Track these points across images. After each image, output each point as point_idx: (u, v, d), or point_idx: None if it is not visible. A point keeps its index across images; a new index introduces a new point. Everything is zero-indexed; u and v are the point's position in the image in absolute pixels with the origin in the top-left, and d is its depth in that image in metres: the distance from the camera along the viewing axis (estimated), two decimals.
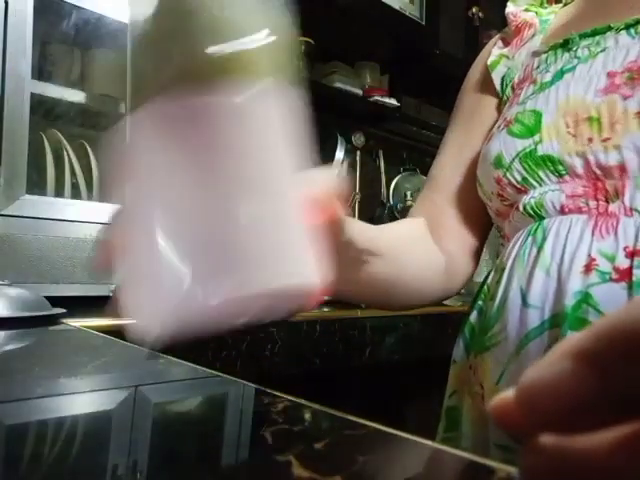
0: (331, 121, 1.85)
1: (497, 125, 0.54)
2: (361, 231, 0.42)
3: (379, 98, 1.78)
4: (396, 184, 2.11)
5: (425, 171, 2.51)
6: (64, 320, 0.69)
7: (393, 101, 1.81)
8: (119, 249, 0.26)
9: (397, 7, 1.69)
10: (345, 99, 1.72)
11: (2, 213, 0.87)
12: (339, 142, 1.72)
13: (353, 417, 0.27)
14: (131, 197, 0.26)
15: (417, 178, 2.19)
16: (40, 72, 1.07)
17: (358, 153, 1.85)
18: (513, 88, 0.57)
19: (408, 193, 2.07)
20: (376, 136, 2.03)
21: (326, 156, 1.77)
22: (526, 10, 0.60)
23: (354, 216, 1.83)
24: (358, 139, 1.83)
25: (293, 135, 0.28)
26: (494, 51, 0.61)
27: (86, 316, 0.70)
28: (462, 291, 2.16)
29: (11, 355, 0.48)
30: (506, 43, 0.61)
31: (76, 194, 1.04)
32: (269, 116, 0.27)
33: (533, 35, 0.58)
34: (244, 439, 0.23)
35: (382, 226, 0.54)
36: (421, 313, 1.03)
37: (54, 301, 0.73)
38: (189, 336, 0.24)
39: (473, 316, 0.55)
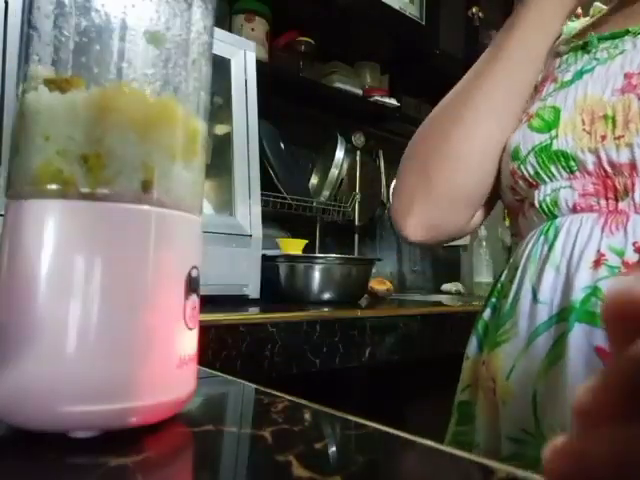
0: (331, 121, 1.85)
1: (521, 119, 0.56)
2: None
3: (379, 98, 1.78)
4: None
5: None
6: None
7: (393, 101, 1.81)
8: None
9: (397, 7, 1.69)
10: (345, 99, 1.72)
11: (2, 213, 0.87)
12: (339, 142, 1.71)
13: (353, 417, 0.27)
14: None
15: None
16: None
17: (358, 153, 1.85)
18: (536, 86, 0.58)
19: None
20: (376, 136, 2.03)
21: (326, 156, 1.78)
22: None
23: (354, 216, 1.84)
24: (358, 139, 1.82)
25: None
26: None
27: None
28: (462, 291, 2.17)
29: None
30: None
31: None
32: None
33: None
34: (244, 439, 0.23)
35: None
36: (421, 313, 1.03)
37: None
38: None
39: (487, 314, 0.56)
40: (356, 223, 1.86)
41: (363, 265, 1.23)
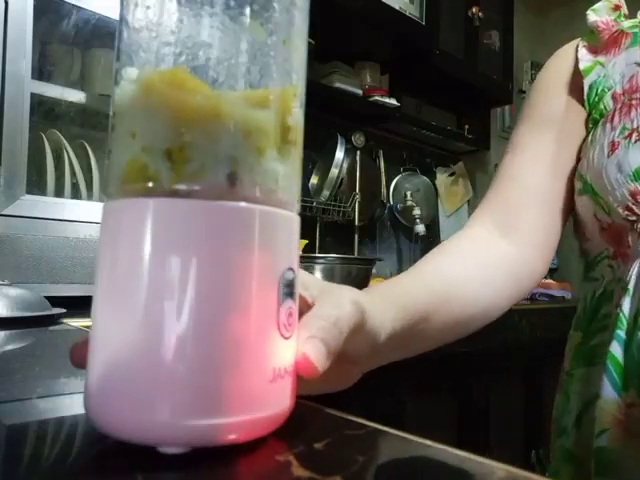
0: (331, 121, 1.85)
1: (623, 135, 0.53)
2: (394, 319, 0.35)
3: (379, 98, 1.78)
4: (396, 184, 2.11)
5: (425, 171, 2.53)
6: (64, 320, 0.69)
7: (393, 101, 1.81)
8: None
9: (397, 7, 1.69)
10: (345, 99, 1.72)
11: (2, 213, 0.87)
12: (339, 142, 1.72)
13: (353, 417, 0.27)
14: None
15: (417, 178, 2.20)
16: (40, 72, 1.06)
17: (358, 153, 1.85)
18: (614, 98, 0.56)
19: (408, 193, 2.08)
20: (376, 136, 2.03)
21: (326, 156, 1.78)
22: (615, 20, 0.60)
23: (354, 216, 1.83)
24: (358, 139, 1.82)
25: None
26: (584, 56, 0.60)
27: (86, 316, 0.70)
28: None
29: (11, 355, 0.48)
30: (594, 50, 0.60)
31: (76, 194, 1.04)
32: None
33: (628, 46, 0.58)
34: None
35: (417, 282, 0.46)
36: None
37: (54, 301, 0.73)
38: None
39: (616, 350, 0.50)
40: (356, 223, 1.86)
41: (363, 265, 1.23)
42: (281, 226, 0.24)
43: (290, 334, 0.24)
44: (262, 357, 0.22)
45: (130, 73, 0.23)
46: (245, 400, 0.22)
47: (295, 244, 0.25)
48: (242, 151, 0.23)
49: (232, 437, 0.21)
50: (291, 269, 0.24)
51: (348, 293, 0.30)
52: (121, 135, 0.23)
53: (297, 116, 0.25)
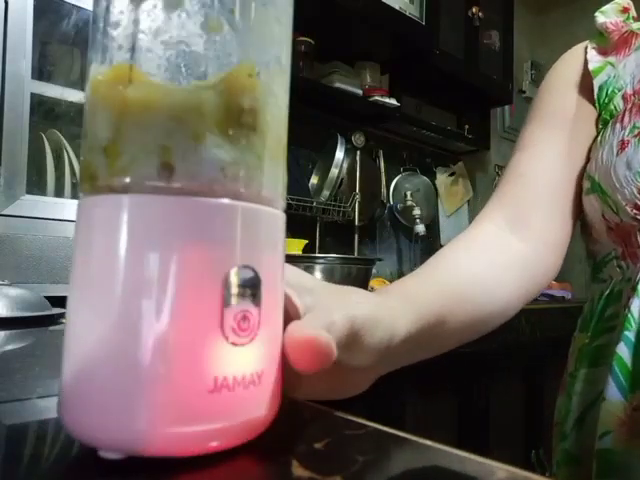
0: (331, 121, 1.85)
1: (633, 133, 0.52)
2: (408, 322, 0.34)
3: (379, 98, 1.78)
4: (396, 184, 2.11)
5: (425, 171, 2.52)
6: (64, 320, 0.69)
7: (393, 101, 1.81)
8: None
9: (397, 7, 1.69)
10: (345, 99, 1.72)
11: (2, 213, 0.87)
12: (339, 142, 1.72)
13: (353, 417, 0.27)
14: None
15: (417, 178, 2.20)
16: (40, 72, 1.06)
17: (358, 153, 1.85)
18: (625, 98, 0.56)
19: (408, 193, 2.08)
20: (376, 136, 2.03)
21: (326, 156, 1.78)
22: (624, 22, 0.60)
23: (354, 216, 1.83)
24: (358, 139, 1.82)
25: None
26: (593, 57, 0.60)
27: None
28: None
29: (11, 355, 0.48)
30: (603, 52, 0.60)
31: (76, 194, 1.04)
32: None
33: (638, 46, 0.58)
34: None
35: (430, 284, 0.44)
36: None
37: (54, 301, 0.73)
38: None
39: (623, 351, 0.50)
40: (356, 223, 1.86)
41: (363, 265, 1.23)
42: (226, 220, 0.21)
43: (244, 340, 0.21)
44: (196, 364, 0.20)
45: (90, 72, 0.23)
46: (173, 411, 0.20)
47: (260, 240, 0.22)
48: (175, 139, 0.21)
49: (152, 450, 0.20)
50: (248, 268, 0.21)
51: (346, 308, 0.27)
52: (82, 136, 0.23)
53: (259, 98, 0.22)
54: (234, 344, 0.21)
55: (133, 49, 0.21)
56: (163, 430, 0.20)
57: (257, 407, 0.22)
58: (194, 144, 0.21)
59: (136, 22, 0.21)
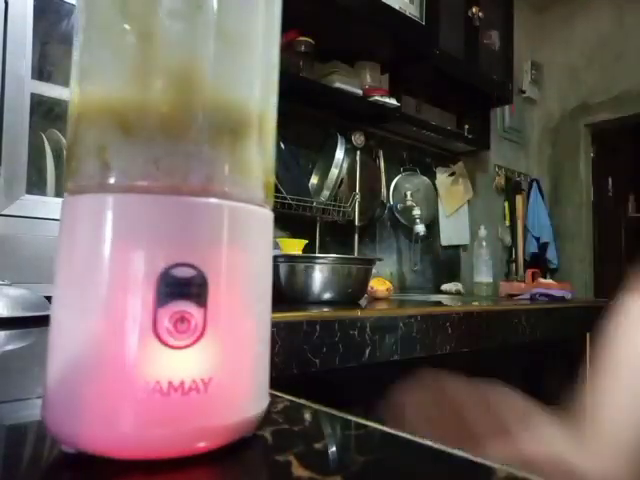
0: (331, 121, 1.85)
1: None
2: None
3: (379, 98, 1.78)
4: (396, 184, 2.11)
5: (425, 171, 2.52)
6: None
7: (393, 101, 1.81)
8: None
9: (397, 7, 1.69)
10: (345, 99, 1.72)
11: (2, 213, 0.87)
12: (339, 142, 1.71)
13: (353, 417, 0.27)
14: None
15: (417, 178, 2.20)
16: (40, 72, 1.06)
17: (358, 153, 1.85)
18: None
19: (408, 193, 2.08)
20: (376, 136, 2.03)
21: (326, 156, 1.78)
22: None
23: (354, 216, 1.83)
24: (358, 139, 1.82)
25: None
26: None
27: None
28: (462, 291, 2.16)
29: (11, 355, 0.48)
30: None
31: None
32: None
33: None
34: (244, 439, 0.23)
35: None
36: (421, 313, 1.03)
37: None
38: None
39: None
40: (356, 223, 1.86)
41: (363, 265, 1.23)
42: (161, 215, 0.20)
43: (183, 343, 0.20)
44: (125, 366, 0.19)
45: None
46: (106, 412, 0.19)
47: (208, 237, 0.21)
48: (109, 137, 0.20)
49: (96, 449, 0.20)
50: (189, 266, 0.20)
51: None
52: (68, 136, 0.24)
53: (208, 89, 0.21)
54: (170, 347, 0.19)
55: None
56: (100, 430, 0.19)
57: (201, 416, 0.20)
58: (124, 140, 0.20)
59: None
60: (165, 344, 0.19)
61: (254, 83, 0.23)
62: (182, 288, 0.20)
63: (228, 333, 0.21)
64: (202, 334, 0.20)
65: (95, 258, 0.20)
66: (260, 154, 0.23)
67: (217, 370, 0.20)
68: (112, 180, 0.20)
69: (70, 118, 0.22)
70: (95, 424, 0.19)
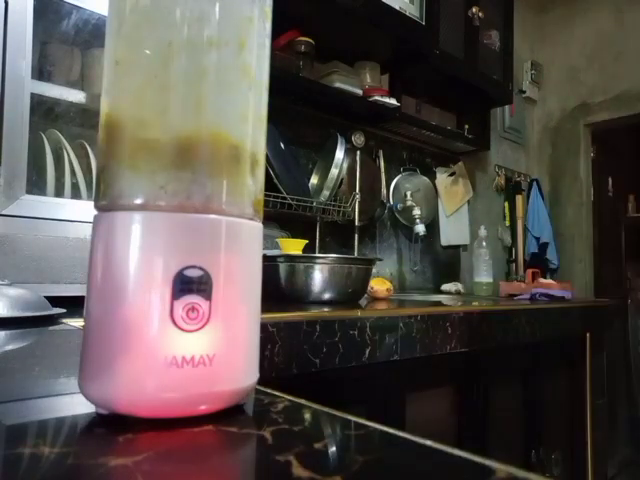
0: (331, 121, 1.85)
1: None
2: None
3: (379, 98, 1.78)
4: (396, 184, 2.11)
5: (425, 171, 2.53)
6: (64, 320, 0.69)
7: (393, 101, 1.81)
8: None
9: (397, 7, 1.69)
10: (345, 99, 1.72)
11: (2, 213, 0.87)
12: (339, 142, 1.71)
13: (353, 417, 0.27)
14: None
15: (417, 178, 2.20)
16: (40, 72, 1.06)
17: (358, 153, 1.85)
18: None
19: (408, 193, 2.08)
20: (376, 136, 2.03)
21: (326, 156, 1.77)
22: None
23: (354, 216, 1.83)
24: (358, 139, 1.82)
25: None
26: None
27: None
28: (462, 291, 2.17)
29: (11, 355, 0.48)
30: None
31: (76, 194, 1.04)
32: None
33: None
34: (244, 439, 0.23)
35: None
36: (421, 313, 1.03)
37: (54, 301, 0.73)
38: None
39: None
40: (356, 223, 1.86)
41: (363, 265, 1.23)
42: (168, 230, 0.26)
43: (193, 328, 0.25)
44: (148, 344, 0.25)
45: None
46: (132, 381, 0.25)
47: (213, 245, 0.26)
48: (130, 169, 0.26)
49: (121, 409, 0.25)
50: (198, 268, 0.26)
51: None
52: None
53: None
54: (184, 330, 0.25)
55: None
56: (129, 395, 0.25)
57: (209, 384, 0.26)
58: (116, 166, 0.27)
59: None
60: (180, 328, 0.25)
61: (247, 121, 0.28)
62: (192, 285, 0.26)
63: (228, 320, 0.27)
64: (208, 320, 0.26)
65: (125, 262, 0.25)
66: (251, 178, 0.28)
67: (219, 348, 0.26)
68: (137, 201, 0.26)
69: (99, 152, 0.28)
70: (125, 390, 0.25)
